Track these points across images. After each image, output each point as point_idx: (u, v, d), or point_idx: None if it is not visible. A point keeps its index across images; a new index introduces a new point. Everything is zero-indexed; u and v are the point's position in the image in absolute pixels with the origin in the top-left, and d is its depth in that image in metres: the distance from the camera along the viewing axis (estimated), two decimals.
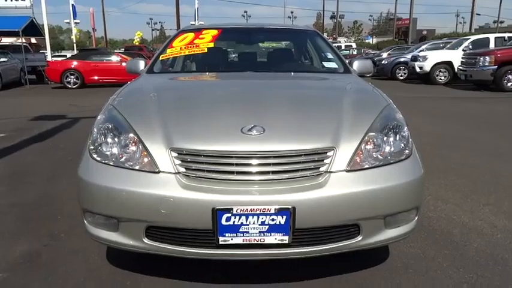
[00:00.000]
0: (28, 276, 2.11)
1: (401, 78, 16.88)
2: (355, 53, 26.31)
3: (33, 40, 26.14)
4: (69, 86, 14.23)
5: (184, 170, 1.67)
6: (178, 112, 1.96)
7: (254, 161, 1.66)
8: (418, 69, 14.67)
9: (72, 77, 14.30)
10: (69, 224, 2.70)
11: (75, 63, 14.46)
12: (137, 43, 42.88)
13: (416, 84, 14.66)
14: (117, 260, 2.25)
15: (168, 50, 3.14)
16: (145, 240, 1.72)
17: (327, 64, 3.22)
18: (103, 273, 2.14)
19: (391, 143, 1.83)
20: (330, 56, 3.24)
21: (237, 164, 1.66)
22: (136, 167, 1.71)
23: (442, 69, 14.22)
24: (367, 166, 1.73)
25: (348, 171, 1.69)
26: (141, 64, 3.08)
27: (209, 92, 2.40)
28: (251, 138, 1.71)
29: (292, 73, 2.91)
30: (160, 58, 3.12)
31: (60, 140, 5.51)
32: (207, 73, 2.99)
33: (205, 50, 3.07)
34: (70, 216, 2.82)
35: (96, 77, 14.27)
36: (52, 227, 2.68)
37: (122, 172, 1.71)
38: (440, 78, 14.28)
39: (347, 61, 3.09)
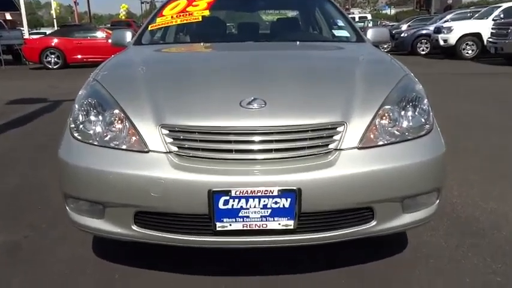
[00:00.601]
0: (7, 271, 2.14)
1: (423, 53, 16.77)
2: (370, 25, 25.99)
3: (7, 16, 26.03)
4: (50, 67, 14.25)
5: (176, 148, 1.68)
6: (169, 85, 1.97)
7: (255, 138, 1.67)
8: (442, 43, 14.55)
9: (53, 56, 14.30)
10: (51, 214, 2.74)
11: (55, 40, 14.44)
12: (123, 17, 42.57)
13: (440, 59, 14.59)
14: (104, 250, 2.28)
15: (158, 19, 3.13)
16: (134, 227, 1.74)
17: (337, 33, 3.21)
18: (89, 266, 2.17)
19: (409, 117, 1.83)
20: (340, 23, 3.22)
21: (235, 141, 1.67)
22: (123, 147, 1.73)
23: (469, 42, 14.07)
24: (381, 143, 1.74)
25: (360, 148, 1.70)
26: (128, 35, 3.07)
27: (204, 63, 2.41)
28: (251, 113, 1.72)
29: (298, 42, 2.89)
30: (149, 28, 3.11)
31: (41, 125, 5.55)
32: (202, 44, 3.01)
33: (200, 19, 3.05)
34: (53, 205, 2.84)
35: (79, 56, 14.26)
36: (33, 217, 2.72)
37: (107, 152, 1.73)
38: (467, 52, 14.14)
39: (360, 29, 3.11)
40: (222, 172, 1.62)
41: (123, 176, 1.66)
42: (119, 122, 1.78)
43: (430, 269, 2.11)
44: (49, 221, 2.67)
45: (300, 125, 1.70)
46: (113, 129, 1.78)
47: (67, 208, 1.87)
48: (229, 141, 1.68)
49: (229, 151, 1.67)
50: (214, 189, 1.58)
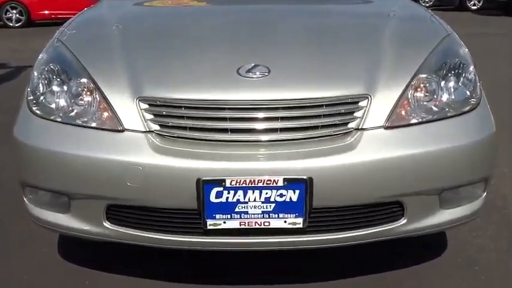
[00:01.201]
0: None
1: (474, 8, 16.51)
2: None
3: None
4: (11, 25, 14.24)
5: (158, 127, 1.69)
6: (150, 49, 1.98)
7: (255, 114, 1.68)
8: None
9: (14, 11, 14.25)
10: (11, 207, 2.71)
11: None
12: None
13: (496, 16, 14.31)
14: (72, 252, 2.28)
15: None
16: (106, 224, 1.75)
17: None
18: (54, 271, 2.17)
19: (451, 89, 1.82)
20: None
21: (231, 119, 1.68)
22: (93, 124, 1.74)
23: None
24: (415, 121, 1.74)
25: (387, 128, 1.70)
26: None
27: (194, 21, 2.40)
28: (251, 83, 1.72)
29: None
30: None
31: None
32: None
33: None
34: (13, 196, 2.81)
35: (46, 12, 14.21)
36: None
37: (72, 131, 1.74)
38: None
39: None
40: (215, 157, 1.63)
41: (92, 161, 1.66)
42: (88, 93, 1.78)
43: (474, 279, 2.10)
44: (10, 214, 2.67)
45: (313, 99, 1.70)
46: (80, 102, 1.78)
47: (25, 199, 1.89)
48: (224, 119, 1.68)
49: (224, 131, 1.68)
50: (204, 178, 1.59)
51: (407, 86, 1.76)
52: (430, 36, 2.01)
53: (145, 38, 2.11)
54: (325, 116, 1.69)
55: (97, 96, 1.76)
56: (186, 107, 1.69)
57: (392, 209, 1.74)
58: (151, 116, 1.70)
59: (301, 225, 1.66)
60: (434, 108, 1.78)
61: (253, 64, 1.77)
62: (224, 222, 1.65)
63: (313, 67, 1.82)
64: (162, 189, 1.64)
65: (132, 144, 1.67)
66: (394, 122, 1.71)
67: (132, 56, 1.88)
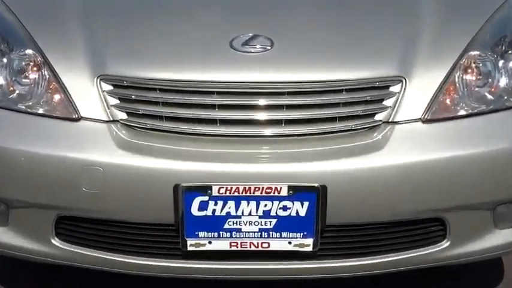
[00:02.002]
0: None
1: None
2: None
3: None
4: None
5: (125, 115, 1.71)
6: (116, 14, 2.00)
7: (253, 101, 1.70)
8: None
9: None
10: None
11: None
12: None
13: None
14: (11, 278, 2.27)
15: None
16: (55, 241, 1.75)
17: None
18: None
19: (510, 71, 1.81)
20: None
21: (221, 106, 1.69)
22: (39, 110, 1.75)
23: None
24: (463, 112, 1.75)
25: (427, 121, 1.71)
26: None
27: None
28: (248, 59, 1.73)
29: None
30: None
31: None
32: None
33: None
34: None
35: None
36: None
37: (12, 119, 1.76)
38: None
39: None
40: (198, 156, 1.64)
41: (38, 158, 1.67)
42: (34, 69, 1.79)
43: None
44: None
45: (329, 82, 1.71)
46: (24, 81, 1.80)
47: None
48: (212, 106, 1.69)
49: (211, 122, 1.69)
50: (184, 184, 1.59)
51: (453, 67, 1.77)
52: (484, 2, 2.03)
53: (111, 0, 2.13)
54: (345, 104, 1.70)
55: (46, 73, 1.77)
56: (161, 90, 1.70)
57: (431, 228, 1.75)
58: (117, 101, 1.71)
59: (310, 248, 1.67)
60: (489, 96, 1.78)
61: (251, 34, 1.77)
62: (209, 243, 1.66)
63: (330, 40, 1.84)
64: (128, 197, 1.65)
65: (90, 138, 1.68)
66: (435, 114, 1.72)
67: (93, 22, 1.90)
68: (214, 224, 1.65)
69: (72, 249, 1.77)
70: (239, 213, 1.63)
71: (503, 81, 1.82)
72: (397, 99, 1.71)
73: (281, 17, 1.94)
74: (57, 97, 1.76)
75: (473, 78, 1.79)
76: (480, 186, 1.71)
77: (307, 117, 1.70)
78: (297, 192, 1.61)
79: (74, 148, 1.67)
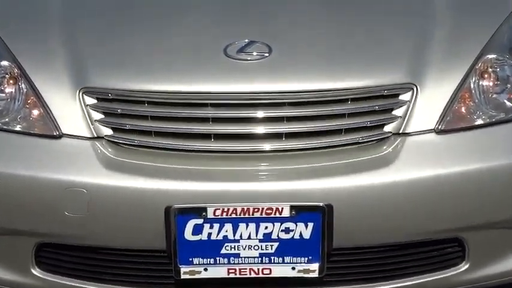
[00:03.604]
0: None
1: None
2: None
3: None
4: None
5: (110, 131, 1.66)
6: (100, 20, 1.98)
7: (250, 113, 1.65)
8: None
9: None
10: None
11: None
12: None
13: None
14: None
15: None
16: (36, 271, 1.70)
17: None
18: None
19: None
20: None
21: (215, 120, 1.64)
22: (17, 127, 1.70)
23: None
24: (480, 121, 1.71)
25: (441, 131, 1.67)
26: None
27: None
28: (244, 67, 1.70)
29: None
30: None
31: None
32: None
33: None
34: None
35: None
36: None
37: None
38: None
39: None
40: (192, 174, 1.60)
41: (15, 180, 1.62)
42: (10, 82, 1.74)
43: None
44: None
45: (333, 90, 1.66)
46: (0, 95, 1.75)
47: None
48: (205, 120, 1.65)
49: (205, 137, 1.64)
50: (176, 206, 1.55)
51: (469, 72, 1.72)
52: (501, 1, 1.99)
53: (95, 5, 2.08)
54: (351, 115, 1.65)
55: (23, 86, 1.72)
56: (150, 103, 1.65)
57: (448, 250, 1.71)
58: (101, 116, 1.66)
59: (316, 274, 1.62)
60: (508, 103, 1.73)
61: (247, 40, 1.73)
62: (205, 270, 1.61)
63: (333, 45, 1.80)
64: (115, 221, 1.61)
65: (72, 156, 1.63)
66: (450, 124, 1.68)
67: (75, 30, 1.87)
68: (210, 249, 1.60)
69: (55, 279, 1.73)
70: (237, 236, 1.59)
71: None
72: (408, 108, 1.67)
73: (279, 20, 1.91)
74: (35, 112, 1.70)
75: (491, 83, 1.74)
76: (501, 202, 1.66)
77: (309, 129, 1.65)
78: (301, 213, 1.57)
79: (55, 168, 1.63)
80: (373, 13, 2.00)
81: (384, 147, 1.66)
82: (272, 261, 1.61)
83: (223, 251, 1.59)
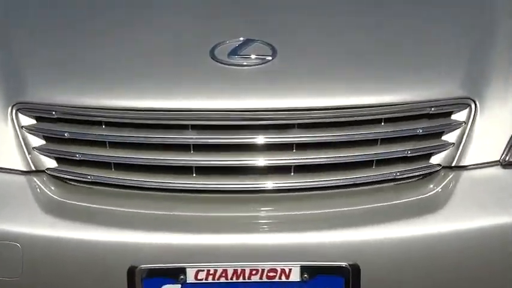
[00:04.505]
0: None
1: None
2: None
3: None
4: None
5: (54, 163, 1.49)
6: (43, 16, 1.84)
7: (247, 138, 1.45)
8: None
9: None
10: None
11: None
12: None
13: None
14: None
15: None
16: None
17: None
18: None
19: None
20: None
21: (198, 148, 1.45)
22: None
23: None
24: None
25: (508, 165, 1.47)
26: None
27: None
28: (239, 75, 1.50)
29: None
30: None
31: None
32: None
33: None
34: None
35: None
36: None
37: None
38: None
39: None
40: (165, 222, 1.42)
41: None
42: None
43: None
44: None
45: (360, 108, 1.46)
46: None
47: None
48: (184, 147, 1.44)
49: (184, 171, 1.45)
50: (144, 267, 1.38)
51: None
52: None
53: None
54: (384, 141, 1.45)
55: None
56: (109, 124, 1.46)
57: None
58: (42, 142, 1.47)
59: None
60: None
61: (242, 39, 1.53)
62: None
63: (359, 45, 1.60)
64: (61, 287, 1.45)
65: (1, 197, 1.45)
66: None
67: (9, 29, 1.73)
68: None
69: None
70: None
71: None
72: (464, 132, 1.46)
73: (286, 12, 1.73)
74: None
75: None
76: None
77: (327, 161, 1.44)
78: (316, 276, 1.38)
79: None
80: (413, 4, 1.84)
81: (431, 186, 1.46)
82: None
83: None
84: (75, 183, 1.48)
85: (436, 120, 1.47)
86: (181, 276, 1.35)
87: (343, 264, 1.35)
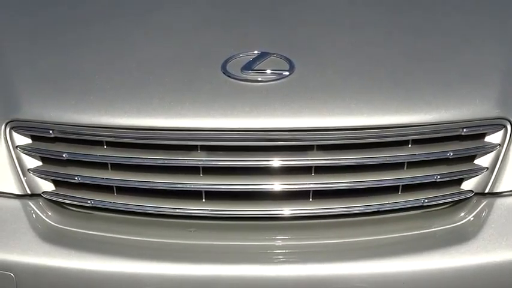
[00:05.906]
0: None
1: None
2: None
3: None
4: None
5: (51, 187, 1.43)
6: (39, 24, 1.80)
7: (261, 160, 1.39)
8: None
9: None
10: None
11: None
12: None
13: None
14: None
15: None
16: None
17: None
18: None
19: None
20: None
21: (208, 170, 1.39)
22: None
23: None
24: None
25: None
26: None
27: None
28: (253, 92, 1.43)
29: None
30: None
31: None
32: None
33: None
34: None
35: None
36: None
37: None
38: None
39: None
40: (172, 253, 1.36)
41: None
42: None
43: None
44: None
45: (385, 129, 1.39)
46: None
47: None
48: (193, 170, 1.38)
49: (193, 196, 1.40)
50: None
51: None
52: None
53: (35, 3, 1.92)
54: (412, 165, 1.39)
55: None
56: (112, 144, 1.40)
57: None
58: (38, 163, 1.42)
59: None
60: None
61: (256, 52, 1.47)
62: None
63: (383, 60, 1.53)
64: None
65: None
66: None
67: (2, 38, 1.68)
68: None
69: None
70: None
71: None
72: (498, 155, 1.40)
73: (304, 23, 1.66)
74: None
75: None
76: None
77: (349, 186, 1.39)
78: None
79: None
80: (441, 13, 1.79)
81: (462, 214, 1.40)
82: None
83: None
84: (74, 208, 1.43)
85: (468, 143, 1.41)
86: None
87: None
